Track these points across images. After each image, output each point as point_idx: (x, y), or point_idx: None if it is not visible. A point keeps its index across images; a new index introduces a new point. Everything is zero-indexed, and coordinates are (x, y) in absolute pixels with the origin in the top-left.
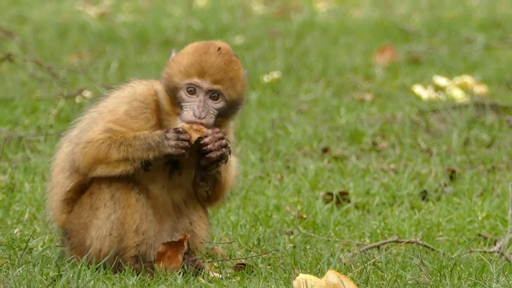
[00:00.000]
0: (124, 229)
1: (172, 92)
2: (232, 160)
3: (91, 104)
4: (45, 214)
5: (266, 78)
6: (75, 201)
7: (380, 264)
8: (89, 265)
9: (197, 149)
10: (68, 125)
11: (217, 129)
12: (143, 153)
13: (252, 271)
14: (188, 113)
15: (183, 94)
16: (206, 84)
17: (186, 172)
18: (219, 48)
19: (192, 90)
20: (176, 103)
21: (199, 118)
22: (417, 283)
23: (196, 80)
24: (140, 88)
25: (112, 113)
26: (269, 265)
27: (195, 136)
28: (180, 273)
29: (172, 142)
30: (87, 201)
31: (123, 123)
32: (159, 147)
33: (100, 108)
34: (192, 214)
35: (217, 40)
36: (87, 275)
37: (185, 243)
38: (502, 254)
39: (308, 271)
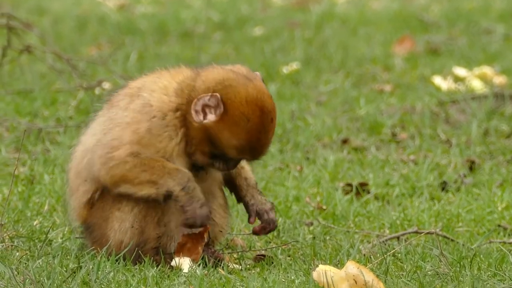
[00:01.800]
0: (146, 221)
1: (209, 143)
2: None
3: (101, 102)
4: (67, 213)
5: (285, 69)
6: (96, 197)
7: (399, 255)
8: (109, 256)
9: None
10: (87, 117)
11: None
12: (174, 188)
13: (272, 262)
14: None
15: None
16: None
17: (212, 172)
18: (272, 119)
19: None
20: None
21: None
22: (437, 274)
23: (247, 157)
24: (155, 102)
25: (133, 130)
26: (289, 256)
27: None
28: (199, 264)
29: (200, 212)
30: (109, 195)
31: (148, 142)
32: (188, 201)
33: (117, 117)
34: (212, 202)
35: (237, 31)
36: (107, 266)
37: (205, 235)
38: None
39: (328, 262)
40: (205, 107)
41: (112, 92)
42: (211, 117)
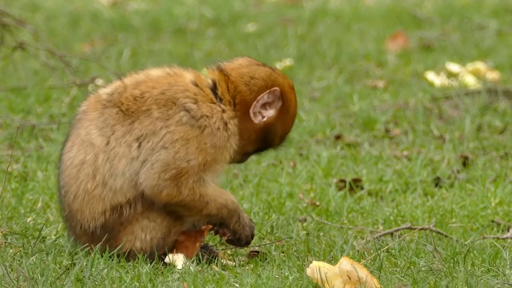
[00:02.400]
0: (170, 232)
1: (262, 140)
2: None
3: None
4: (72, 214)
5: (278, 66)
6: (126, 206)
7: (393, 251)
8: (102, 253)
9: None
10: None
11: None
12: (229, 221)
13: (266, 259)
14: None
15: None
16: None
17: None
18: None
19: None
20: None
21: None
22: (431, 270)
23: (282, 143)
24: (209, 113)
25: (198, 147)
26: (283, 252)
27: None
28: (193, 261)
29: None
30: (139, 203)
31: (213, 158)
32: (240, 229)
33: (162, 131)
34: None
35: (229, 27)
36: (101, 263)
37: (206, 234)
38: None
39: (322, 258)
40: (262, 106)
41: (108, 96)
42: (270, 112)
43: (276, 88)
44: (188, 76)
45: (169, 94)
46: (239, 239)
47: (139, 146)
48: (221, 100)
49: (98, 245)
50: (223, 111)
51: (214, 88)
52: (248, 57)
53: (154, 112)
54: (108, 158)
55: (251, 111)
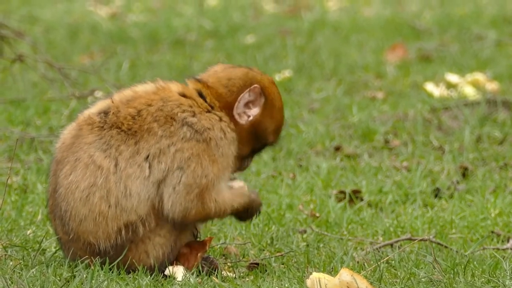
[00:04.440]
0: (177, 245)
1: (254, 139)
2: None
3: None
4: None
5: (277, 77)
6: (135, 222)
7: (393, 262)
8: (102, 265)
9: None
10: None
11: None
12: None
13: (266, 270)
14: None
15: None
16: None
17: None
18: None
19: None
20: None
21: None
22: (431, 281)
23: (278, 138)
24: (209, 124)
25: (210, 160)
26: (283, 264)
27: None
28: (193, 272)
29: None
30: (151, 220)
31: (223, 167)
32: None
33: (170, 149)
34: None
35: (228, 38)
36: (101, 275)
37: (208, 245)
38: None
39: (322, 269)
40: (245, 106)
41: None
42: (255, 110)
43: (255, 85)
44: (174, 88)
45: (166, 110)
46: (244, 220)
47: (150, 166)
48: (212, 107)
49: (114, 262)
50: (220, 119)
51: (202, 97)
52: (222, 63)
53: (157, 130)
54: (121, 179)
55: (234, 112)
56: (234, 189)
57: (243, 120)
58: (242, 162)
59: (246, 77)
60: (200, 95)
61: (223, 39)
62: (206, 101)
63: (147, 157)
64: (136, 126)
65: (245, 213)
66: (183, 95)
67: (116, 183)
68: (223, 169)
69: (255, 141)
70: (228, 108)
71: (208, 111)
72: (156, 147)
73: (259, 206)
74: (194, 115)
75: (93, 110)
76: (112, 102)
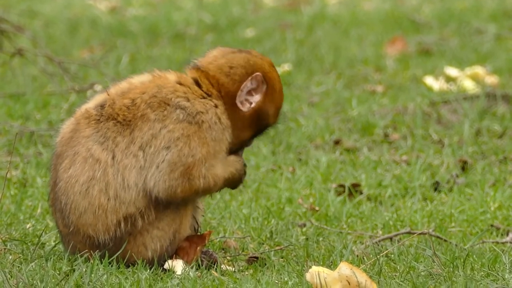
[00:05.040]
0: (176, 239)
1: (256, 124)
2: None
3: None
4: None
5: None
6: (134, 214)
7: (392, 255)
8: (102, 259)
9: None
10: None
11: None
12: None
13: (265, 264)
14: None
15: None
16: None
17: None
18: None
19: None
20: (250, 129)
21: None
22: (430, 274)
23: (279, 120)
24: (203, 108)
25: (199, 142)
26: (282, 257)
27: None
28: (192, 266)
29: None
30: (150, 213)
31: (214, 150)
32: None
33: (161, 132)
34: None
35: (228, 32)
36: (100, 269)
37: (207, 239)
38: None
39: (321, 263)
40: (247, 93)
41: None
42: (257, 97)
43: (257, 73)
44: (171, 77)
45: (160, 96)
46: (235, 187)
47: (144, 154)
48: (209, 95)
49: (114, 256)
50: (216, 106)
51: (198, 86)
52: (220, 47)
53: (150, 115)
54: (119, 171)
55: (237, 100)
56: (225, 165)
57: (245, 108)
58: (242, 145)
59: (248, 65)
60: (197, 83)
61: (222, 33)
62: (201, 89)
63: (142, 145)
64: (130, 116)
65: (237, 182)
66: (179, 83)
67: (114, 176)
68: (213, 153)
69: (256, 126)
70: (230, 96)
71: (203, 97)
72: (149, 133)
73: (244, 168)
74: (188, 100)
75: (90, 104)
76: (108, 95)
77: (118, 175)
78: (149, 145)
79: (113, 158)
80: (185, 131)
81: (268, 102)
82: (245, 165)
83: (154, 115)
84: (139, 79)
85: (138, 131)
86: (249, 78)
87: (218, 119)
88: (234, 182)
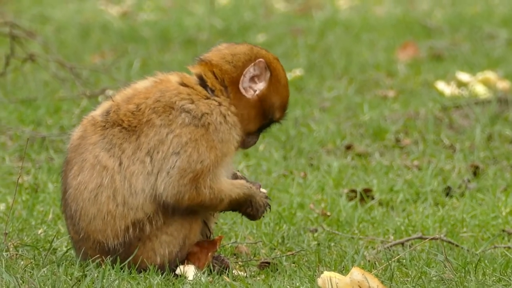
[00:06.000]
0: (186, 244)
1: (262, 115)
2: None
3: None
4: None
5: (288, 76)
6: (142, 220)
7: (404, 261)
8: (113, 264)
9: None
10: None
11: None
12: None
13: (277, 269)
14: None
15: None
16: None
17: None
18: None
19: None
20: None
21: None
22: (442, 280)
23: (285, 114)
24: (208, 109)
25: (207, 146)
26: (294, 263)
27: None
28: (204, 272)
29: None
30: (158, 218)
31: (222, 153)
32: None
33: (168, 137)
34: None
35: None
36: (112, 274)
37: (218, 244)
38: None
39: (333, 268)
40: (251, 80)
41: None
42: (261, 85)
43: (260, 59)
44: (174, 79)
45: (164, 100)
46: (253, 217)
47: (151, 159)
48: (213, 91)
49: (125, 261)
50: (219, 104)
51: (203, 83)
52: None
53: (156, 120)
54: (126, 178)
55: (240, 86)
56: (235, 180)
57: (249, 95)
58: (247, 139)
59: (251, 52)
60: (201, 79)
61: (234, 38)
62: (207, 86)
63: (149, 151)
64: (135, 121)
65: (249, 207)
66: (183, 85)
67: (121, 182)
68: (221, 155)
69: (262, 117)
70: (234, 84)
71: (207, 98)
72: (155, 139)
73: (264, 200)
74: (192, 102)
75: (97, 111)
76: (113, 101)
77: (125, 182)
78: (156, 151)
79: (120, 164)
80: (192, 135)
81: (273, 93)
82: (267, 198)
83: (160, 120)
84: (143, 84)
85: (144, 137)
86: (252, 64)
87: (223, 118)
88: (242, 206)
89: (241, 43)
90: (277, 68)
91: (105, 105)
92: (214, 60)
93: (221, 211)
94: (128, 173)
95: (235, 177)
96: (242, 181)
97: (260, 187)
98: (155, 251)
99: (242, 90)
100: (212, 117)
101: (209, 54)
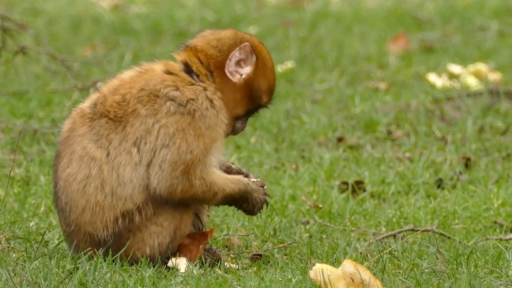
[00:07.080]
0: (177, 236)
1: (249, 99)
2: None
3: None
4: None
5: (280, 68)
6: (131, 210)
7: (396, 253)
8: (105, 257)
9: None
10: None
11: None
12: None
13: (269, 261)
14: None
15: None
16: None
17: None
18: None
19: None
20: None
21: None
22: (434, 272)
23: (272, 98)
24: (193, 95)
25: (195, 134)
26: (286, 255)
27: None
28: (196, 264)
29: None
30: (148, 208)
31: (210, 139)
32: (255, 204)
33: (154, 127)
34: None
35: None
36: (104, 267)
37: (210, 237)
38: None
39: (325, 260)
40: (237, 64)
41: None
42: (247, 69)
43: (245, 43)
44: (158, 67)
45: (148, 89)
46: (250, 212)
47: (138, 150)
48: (198, 76)
49: (117, 254)
50: (205, 89)
51: (188, 69)
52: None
53: (141, 110)
54: (113, 168)
55: (226, 70)
56: (230, 175)
57: (235, 79)
58: (235, 124)
59: (236, 36)
60: (186, 65)
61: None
62: (192, 71)
63: (135, 141)
64: (121, 112)
65: (244, 202)
66: (167, 73)
67: (109, 173)
68: (210, 142)
69: (248, 101)
70: (219, 68)
71: (192, 84)
72: (141, 128)
73: (262, 197)
74: (177, 89)
75: (85, 103)
76: (100, 92)
77: (113, 172)
78: (144, 142)
79: (107, 155)
80: (179, 124)
81: (260, 76)
82: (266, 194)
83: (145, 110)
84: (129, 74)
85: (130, 127)
86: (238, 48)
87: (209, 103)
88: (237, 201)
89: (227, 29)
90: (262, 51)
91: (93, 97)
92: (199, 45)
93: (217, 205)
94: (116, 163)
95: (236, 171)
96: (239, 177)
97: (263, 186)
98: (144, 242)
99: (228, 74)
100: (198, 102)
101: (194, 40)
